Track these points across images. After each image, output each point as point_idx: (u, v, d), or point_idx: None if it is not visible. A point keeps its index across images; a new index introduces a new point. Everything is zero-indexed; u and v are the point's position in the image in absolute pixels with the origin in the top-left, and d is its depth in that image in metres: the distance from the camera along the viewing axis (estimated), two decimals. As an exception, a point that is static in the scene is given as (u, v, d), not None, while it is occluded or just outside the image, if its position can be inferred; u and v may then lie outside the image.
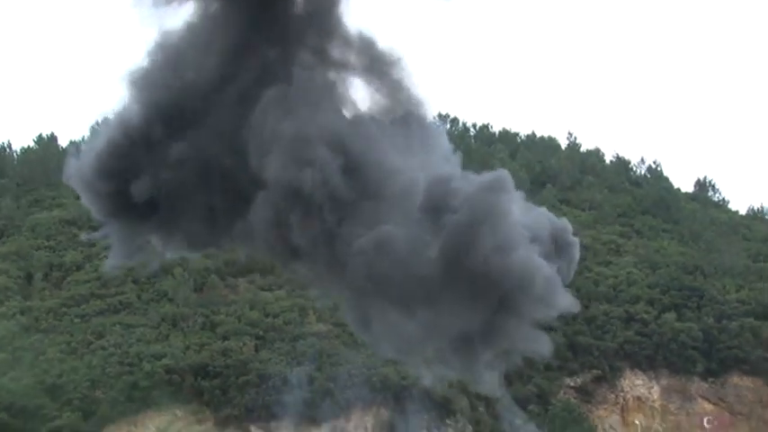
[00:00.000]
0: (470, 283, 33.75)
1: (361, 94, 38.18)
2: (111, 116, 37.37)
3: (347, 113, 37.29)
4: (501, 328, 35.45)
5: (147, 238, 39.62)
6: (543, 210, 39.87)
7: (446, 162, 37.84)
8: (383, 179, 34.36)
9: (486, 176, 36.33)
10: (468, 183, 35.90)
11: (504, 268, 33.36)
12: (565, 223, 38.82)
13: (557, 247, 36.85)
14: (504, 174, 37.05)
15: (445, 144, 39.94)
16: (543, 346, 38.29)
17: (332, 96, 36.59)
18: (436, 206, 34.61)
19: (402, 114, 37.42)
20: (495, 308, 34.40)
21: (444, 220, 34.39)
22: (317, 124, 34.11)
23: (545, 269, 34.65)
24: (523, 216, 36.56)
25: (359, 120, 36.96)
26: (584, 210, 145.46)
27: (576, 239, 39.02)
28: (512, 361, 42.54)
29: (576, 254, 38.85)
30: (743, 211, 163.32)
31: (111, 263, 56.87)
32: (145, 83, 35.41)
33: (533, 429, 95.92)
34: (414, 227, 34.57)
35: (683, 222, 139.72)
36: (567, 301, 36.69)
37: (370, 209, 34.17)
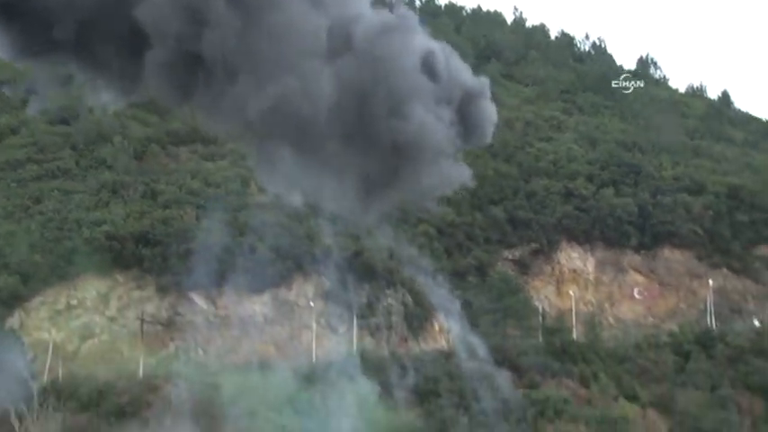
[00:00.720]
0: (367, 134, 32.57)
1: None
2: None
3: None
4: (405, 175, 34.51)
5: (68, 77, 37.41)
6: (461, 65, 35.97)
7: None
8: (283, 29, 31.84)
9: (388, 16, 33.50)
10: (372, 24, 33.17)
11: (396, 126, 32.24)
12: (482, 84, 35.53)
13: (466, 108, 35.43)
14: (408, 14, 34.54)
15: None
16: (463, 177, 37.11)
17: None
18: (336, 50, 32.23)
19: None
20: (396, 158, 33.31)
21: (342, 66, 32.21)
22: None
23: (439, 133, 33.17)
24: (432, 66, 33.63)
25: None
26: (527, 85, 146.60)
27: (491, 104, 36.90)
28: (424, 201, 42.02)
29: (490, 118, 37.04)
30: (682, 89, 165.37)
31: (34, 106, 55.14)
32: None
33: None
34: (313, 75, 32.92)
35: (623, 100, 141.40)
36: (459, 173, 35.56)
37: (268, 61, 32.09)
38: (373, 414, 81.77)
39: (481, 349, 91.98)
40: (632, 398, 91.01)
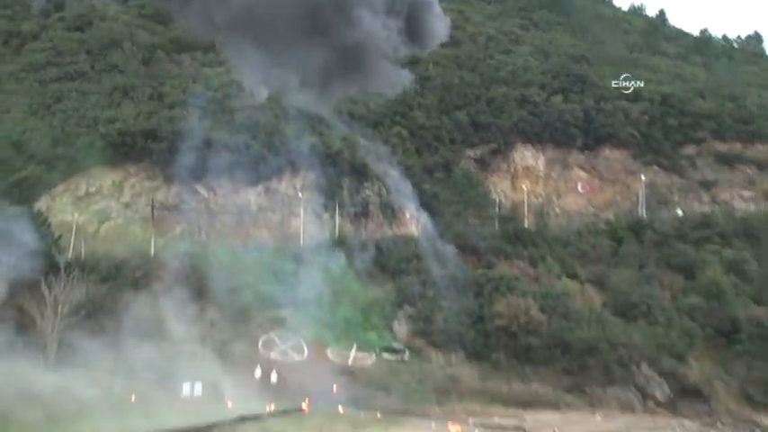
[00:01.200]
0: (323, 37, 33.34)
1: None
2: None
3: None
4: (355, 73, 35.31)
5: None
6: None
7: None
8: None
9: None
10: None
11: (346, 31, 32.96)
12: None
13: (414, 18, 35.66)
14: None
15: None
16: (401, 81, 37.35)
17: None
18: None
19: None
20: (347, 59, 34.11)
21: None
22: None
23: (385, 38, 33.84)
24: None
25: None
26: (489, 3, 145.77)
27: (439, 16, 36.65)
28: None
29: (436, 27, 36.76)
30: (625, 8, 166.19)
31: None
32: None
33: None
34: None
35: (573, 16, 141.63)
36: (402, 76, 35.96)
37: None
38: (344, 284, 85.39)
39: (444, 235, 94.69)
40: (573, 276, 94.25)
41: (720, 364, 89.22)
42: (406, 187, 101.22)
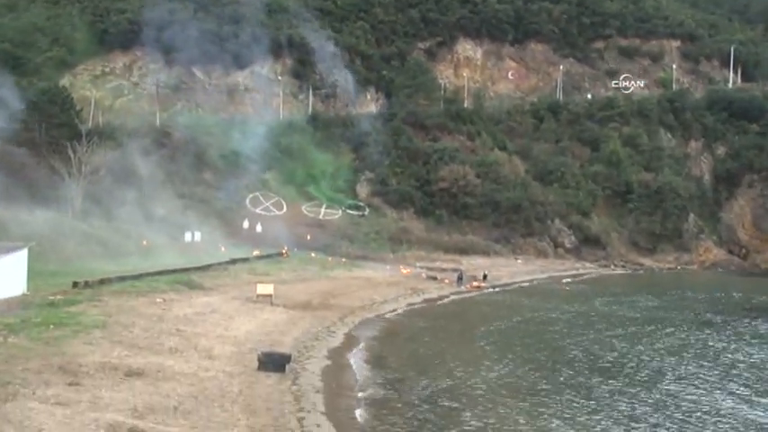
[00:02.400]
0: None
1: None
2: None
3: None
4: None
5: None
6: None
7: None
8: None
9: None
10: None
11: None
12: None
13: None
14: None
15: None
16: None
17: None
18: None
19: None
20: None
21: None
22: None
23: None
24: None
25: None
26: None
27: None
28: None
29: None
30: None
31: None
32: None
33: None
34: None
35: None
36: None
37: None
38: (317, 154, 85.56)
39: (399, 113, 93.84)
40: (503, 148, 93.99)
41: (616, 218, 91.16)
42: (368, 73, 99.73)
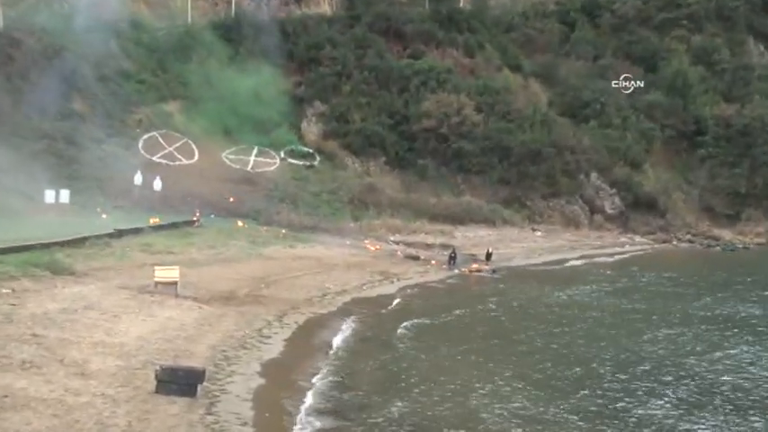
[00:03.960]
0: None
1: None
2: None
3: None
4: None
5: None
6: None
7: None
8: None
9: None
10: None
11: None
12: None
13: None
14: None
15: None
16: None
17: None
18: None
19: None
20: None
21: None
22: None
23: None
24: None
25: None
26: None
27: None
28: None
29: None
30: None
31: None
32: None
33: None
34: None
35: None
36: None
37: None
38: (241, 74, 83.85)
39: (364, 16, 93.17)
40: (515, 68, 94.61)
41: (680, 171, 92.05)
42: None
